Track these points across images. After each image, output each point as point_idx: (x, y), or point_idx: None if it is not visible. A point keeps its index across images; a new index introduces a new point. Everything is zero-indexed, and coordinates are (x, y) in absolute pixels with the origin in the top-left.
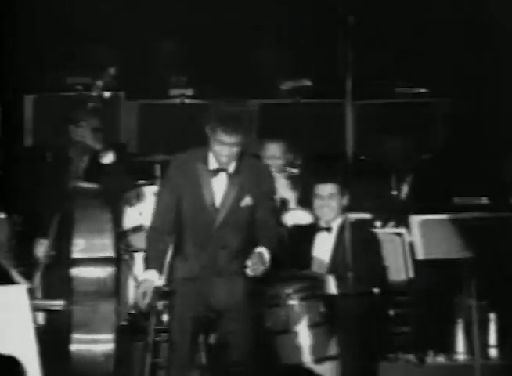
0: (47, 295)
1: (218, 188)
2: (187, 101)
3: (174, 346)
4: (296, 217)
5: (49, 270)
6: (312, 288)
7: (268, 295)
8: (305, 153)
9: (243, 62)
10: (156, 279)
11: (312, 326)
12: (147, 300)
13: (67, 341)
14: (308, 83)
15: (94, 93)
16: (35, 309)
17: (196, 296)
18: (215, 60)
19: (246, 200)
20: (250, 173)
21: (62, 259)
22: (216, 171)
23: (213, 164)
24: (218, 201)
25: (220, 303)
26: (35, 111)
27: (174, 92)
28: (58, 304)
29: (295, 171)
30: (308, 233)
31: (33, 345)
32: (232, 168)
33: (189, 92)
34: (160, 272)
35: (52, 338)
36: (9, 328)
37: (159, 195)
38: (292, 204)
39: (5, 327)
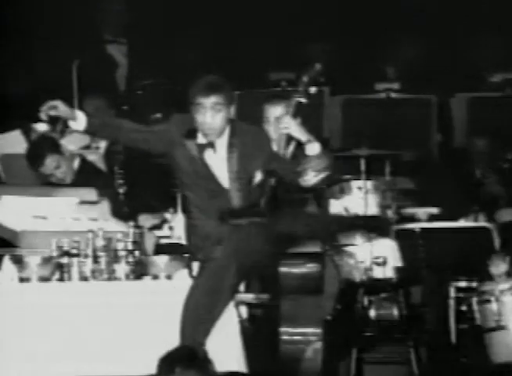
0: (249, 289)
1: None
2: (393, 95)
3: None
4: (509, 215)
5: None
6: None
7: (479, 292)
8: None
9: (451, 55)
10: None
11: None
12: None
13: (274, 335)
14: None
15: (300, 88)
16: (238, 302)
17: None
18: (422, 53)
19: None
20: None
21: None
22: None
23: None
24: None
25: None
26: None
27: (379, 86)
28: (262, 298)
29: (505, 166)
30: None
31: (237, 338)
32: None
33: (396, 85)
34: None
35: (256, 332)
36: None
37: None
38: (503, 201)
39: None
